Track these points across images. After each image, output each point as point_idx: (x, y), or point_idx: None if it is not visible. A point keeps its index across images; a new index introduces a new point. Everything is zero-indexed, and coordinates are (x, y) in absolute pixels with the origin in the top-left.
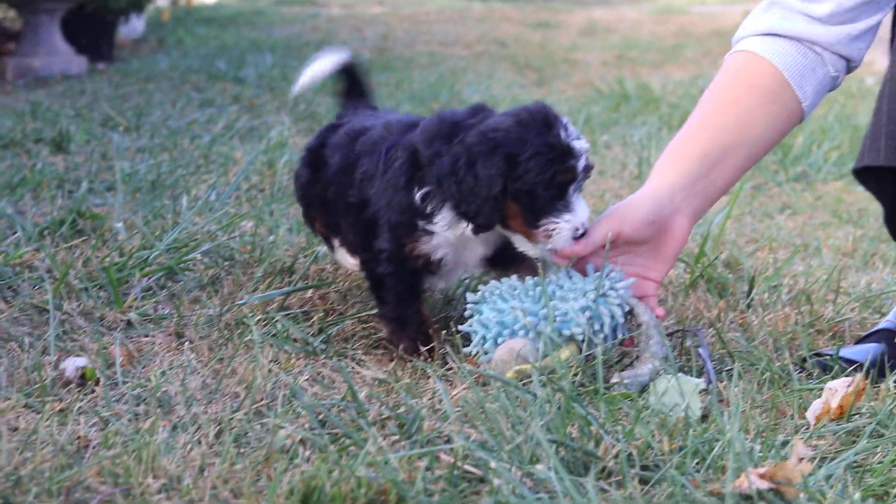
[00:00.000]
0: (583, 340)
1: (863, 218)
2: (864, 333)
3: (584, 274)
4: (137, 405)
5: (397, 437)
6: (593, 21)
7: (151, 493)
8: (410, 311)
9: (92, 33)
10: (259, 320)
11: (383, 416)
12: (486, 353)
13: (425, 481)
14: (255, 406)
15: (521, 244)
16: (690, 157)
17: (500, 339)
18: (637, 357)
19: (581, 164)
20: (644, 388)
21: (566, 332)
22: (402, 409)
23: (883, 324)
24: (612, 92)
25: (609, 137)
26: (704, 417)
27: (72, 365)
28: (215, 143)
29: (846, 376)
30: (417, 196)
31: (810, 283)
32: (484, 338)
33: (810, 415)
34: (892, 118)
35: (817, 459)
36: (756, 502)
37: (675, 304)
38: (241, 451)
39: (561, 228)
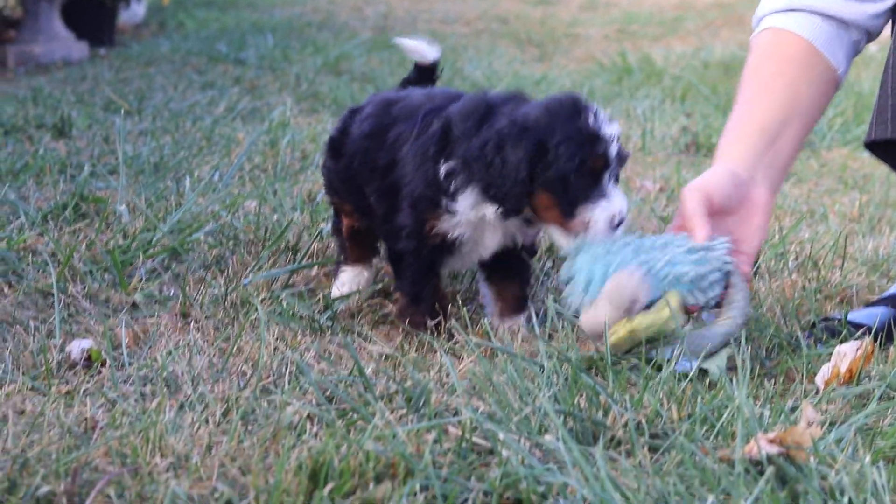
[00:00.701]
0: (692, 282)
1: (868, 183)
2: (872, 298)
3: None
4: (144, 386)
5: (405, 411)
6: None
7: (159, 473)
8: (427, 288)
9: (92, 19)
10: (264, 298)
11: (390, 391)
12: (588, 299)
13: (434, 454)
14: (261, 384)
15: (559, 237)
16: (751, 134)
17: (608, 276)
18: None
19: (613, 150)
20: (708, 353)
21: (676, 272)
22: (409, 384)
23: (893, 289)
24: (613, 65)
25: (612, 110)
26: (713, 384)
27: (77, 347)
28: (217, 124)
29: (855, 340)
30: (442, 170)
31: (817, 250)
32: (589, 280)
33: (819, 379)
34: None
35: (827, 424)
36: (766, 467)
37: None
38: (249, 428)
39: (597, 217)
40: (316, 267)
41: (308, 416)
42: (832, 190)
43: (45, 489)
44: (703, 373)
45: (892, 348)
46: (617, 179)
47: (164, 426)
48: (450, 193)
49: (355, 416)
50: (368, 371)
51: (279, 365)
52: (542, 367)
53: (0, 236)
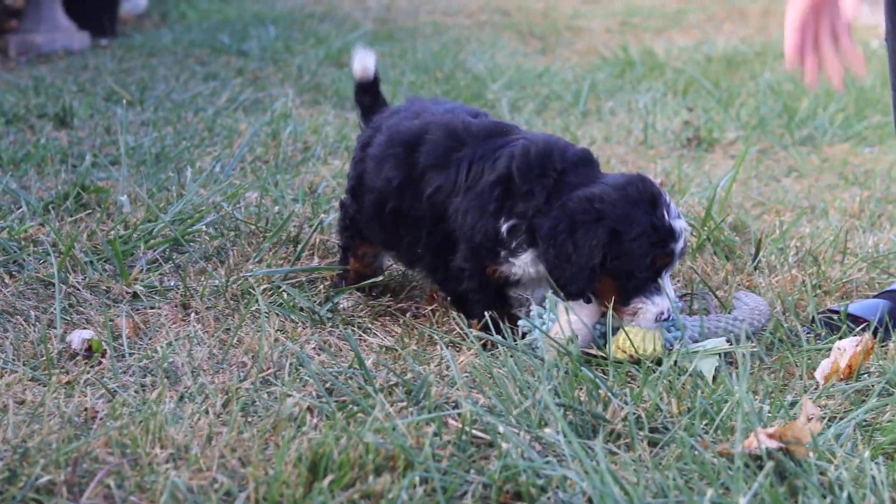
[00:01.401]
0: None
1: (869, 179)
2: (872, 294)
3: None
4: (144, 376)
5: (405, 403)
6: None
7: (159, 463)
8: (499, 315)
9: (94, 9)
10: (265, 290)
11: (391, 383)
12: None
13: (433, 446)
14: (261, 375)
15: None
16: None
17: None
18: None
19: (679, 247)
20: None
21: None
22: (409, 376)
23: (894, 285)
24: (616, 59)
25: (614, 104)
26: (714, 379)
27: (78, 337)
28: (219, 115)
29: (854, 336)
30: (504, 228)
31: (817, 245)
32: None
33: (819, 375)
34: None
35: (826, 419)
36: (765, 462)
37: (683, 268)
38: (249, 419)
39: (647, 310)
40: (317, 258)
41: (308, 407)
42: (833, 185)
43: (45, 479)
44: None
45: (891, 343)
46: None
47: (163, 417)
48: (511, 249)
49: (355, 408)
50: (369, 363)
51: (279, 356)
52: (542, 360)
53: (1, 226)
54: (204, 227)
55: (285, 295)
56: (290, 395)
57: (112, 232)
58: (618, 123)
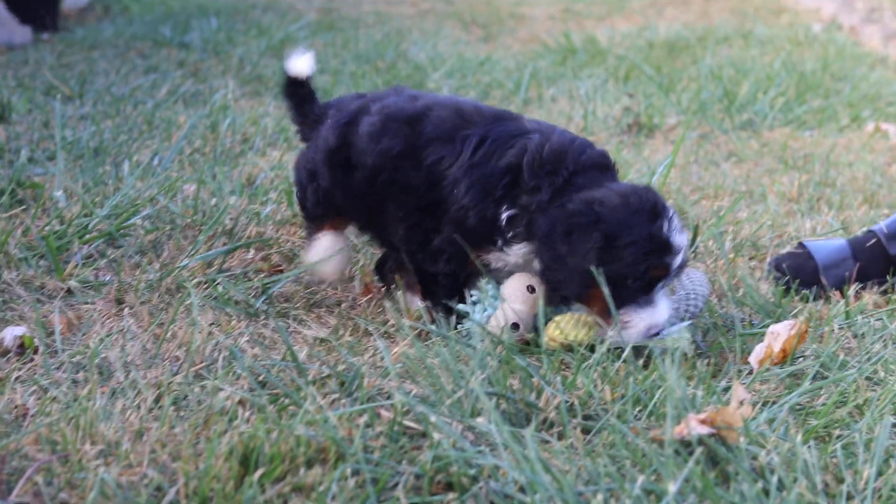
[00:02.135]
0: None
1: (808, 163)
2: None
3: None
4: (77, 372)
5: (337, 395)
6: None
7: (89, 460)
8: (456, 300)
9: (36, 3)
10: (199, 283)
11: (324, 375)
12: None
13: (365, 438)
14: (194, 369)
15: (603, 323)
16: None
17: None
18: None
19: (677, 261)
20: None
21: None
22: (342, 368)
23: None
24: (558, 46)
25: (555, 91)
26: (646, 365)
27: (10, 334)
28: (159, 108)
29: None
30: (504, 215)
31: (755, 229)
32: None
33: (753, 359)
34: None
35: (760, 403)
36: (696, 448)
37: None
38: (181, 414)
39: (636, 323)
40: (252, 250)
41: (240, 401)
42: (772, 170)
43: None
44: (636, 353)
45: (826, 328)
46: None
47: (94, 413)
48: (507, 238)
49: (287, 401)
50: (302, 355)
51: (213, 350)
52: (474, 348)
53: None
54: (140, 220)
55: (220, 288)
56: (222, 389)
57: (47, 227)
58: (559, 111)
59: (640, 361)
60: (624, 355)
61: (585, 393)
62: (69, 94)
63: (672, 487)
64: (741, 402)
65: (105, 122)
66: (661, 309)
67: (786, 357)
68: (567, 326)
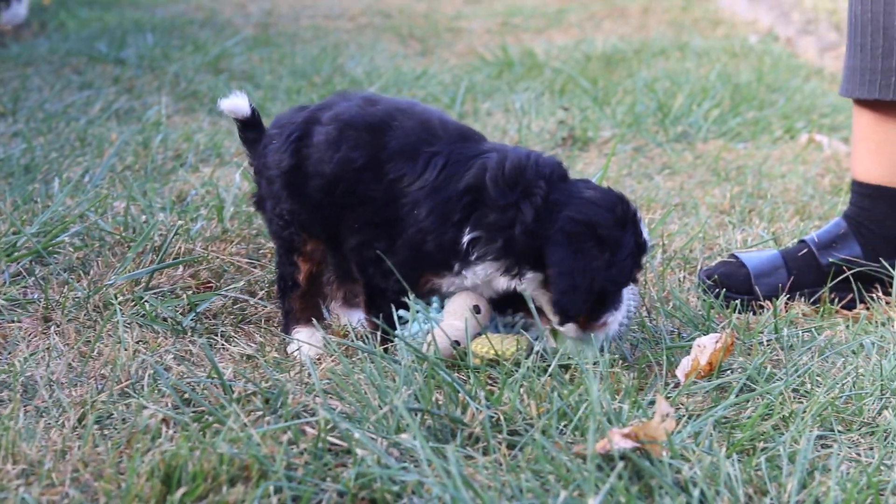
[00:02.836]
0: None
1: (741, 175)
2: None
3: None
4: (0, 392)
5: (262, 412)
6: None
7: (10, 480)
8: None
9: None
10: (127, 300)
11: (249, 392)
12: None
13: (288, 455)
14: (119, 387)
15: (568, 329)
16: None
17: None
18: None
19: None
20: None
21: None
22: (268, 385)
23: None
24: (495, 59)
25: (491, 105)
26: (572, 379)
27: None
28: (92, 125)
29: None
30: (466, 238)
31: (687, 242)
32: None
33: (680, 372)
34: None
35: (686, 417)
36: (618, 462)
37: None
38: (105, 433)
39: (611, 322)
40: (181, 267)
41: (164, 419)
42: (705, 182)
43: None
44: (564, 368)
45: (754, 341)
46: None
47: (16, 432)
48: (468, 260)
49: (211, 418)
50: (228, 373)
51: (138, 368)
52: (399, 363)
53: None
54: (68, 238)
55: (147, 305)
56: (146, 407)
57: None
58: (494, 124)
59: (567, 375)
60: (550, 369)
61: (511, 408)
62: (2, 111)
63: (592, 502)
64: (665, 416)
65: (37, 140)
66: (624, 304)
67: (712, 370)
68: (494, 340)
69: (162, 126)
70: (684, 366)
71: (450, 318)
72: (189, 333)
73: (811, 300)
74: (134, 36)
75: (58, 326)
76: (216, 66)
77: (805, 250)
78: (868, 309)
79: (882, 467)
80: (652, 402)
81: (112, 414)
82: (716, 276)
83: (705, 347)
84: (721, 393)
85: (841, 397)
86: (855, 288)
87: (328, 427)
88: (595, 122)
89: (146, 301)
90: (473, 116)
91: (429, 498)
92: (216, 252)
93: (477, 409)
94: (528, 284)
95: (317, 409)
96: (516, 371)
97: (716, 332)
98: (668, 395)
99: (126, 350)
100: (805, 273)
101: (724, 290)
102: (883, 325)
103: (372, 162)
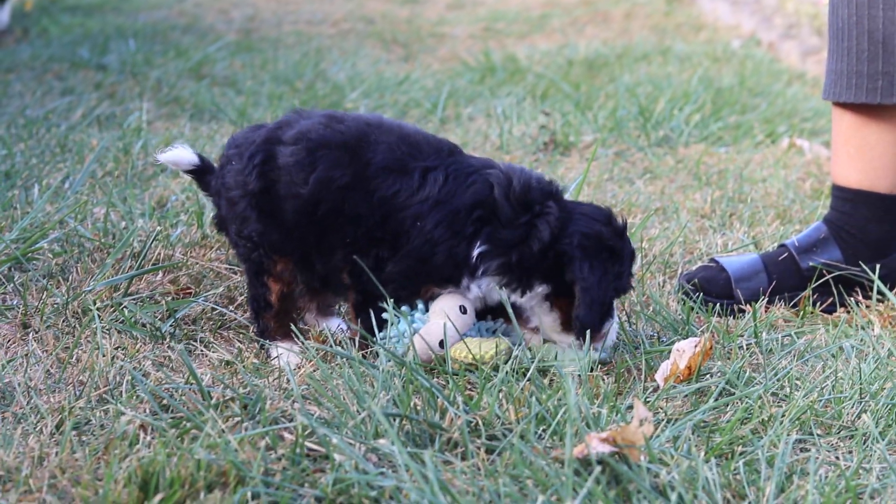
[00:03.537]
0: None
1: (722, 179)
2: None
3: None
4: None
5: (240, 418)
6: None
7: None
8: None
9: None
10: (106, 306)
11: (227, 398)
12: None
13: (266, 461)
14: (97, 393)
15: (565, 340)
16: None
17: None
18: None
19: None
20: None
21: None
22: (246, 390)
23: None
24: (478, 64)
25: (473, 109)
26: (551, 383)
27: None
28: (73, 131)
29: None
30: (475, 252)
31: (667, 246)
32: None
33: (659, 377)
34: None
35: (665, 421)
36: (595, 466)
37: None
38: (83, 439)
39: (608, 329)
40: (160, 273)
41: (142, 425)
42: (686, 186)
43: None
44: (542, 372)
45: (733, 344)
46: None
47: None
48: (476, 274)
49: (189, 424)
50: (207, 378)
51: (116, 374)
52: (377, 368)
53: None
54: (47, 244)
55: (126, 311)
56: (123, 413)
57: None
58: (476, 129)
59: (546, 380)
60: (529, 374)
61: (490, 413)
62: None
63: None
64: (643, 420)
65: (18, 146)
66: (616, 312)
67: (691, 374)
68: (472, 344)
69: (143, 132)
70: (663, 370)
71: (436, 318)
72: (168, 339)
73: (791, 304)
74: (116, 42)
75: (36, 332)
76: (198, 71)
77: (785, 254)
78: (848, 312)
79: (860, 471)
80: (630, 407)
81: (90, 420)
82: (696, 281)
83: (684, 351)
84: (700, 397)
85: (820, 401)
86: (835, 292)
87: (306, 432)
88: (577, 126)
89: (125, 307)
90: (455, 121)
91: (406, 503)
92: (196, 258)
93: (455, 414)
94: (532, 298)
95: (295, 414)
96: (495, 376)
97: (695, 336)
98: (647, 400)
99: (104, 356)
100: (785, 277)
101: (705, 294)
102: (863, 328)
103: (356, 180)
